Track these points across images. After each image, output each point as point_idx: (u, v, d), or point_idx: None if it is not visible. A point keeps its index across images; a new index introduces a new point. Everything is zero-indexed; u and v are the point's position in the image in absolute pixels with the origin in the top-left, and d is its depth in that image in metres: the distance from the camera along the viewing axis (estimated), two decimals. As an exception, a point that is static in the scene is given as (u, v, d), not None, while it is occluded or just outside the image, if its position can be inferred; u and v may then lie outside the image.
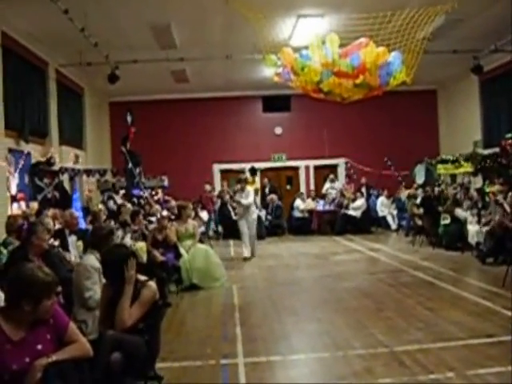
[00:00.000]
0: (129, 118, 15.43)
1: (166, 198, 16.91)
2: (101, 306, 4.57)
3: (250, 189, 13.79)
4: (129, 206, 13.23)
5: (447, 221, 13.11)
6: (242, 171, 20.57)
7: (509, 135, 13.87)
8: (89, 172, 16.46)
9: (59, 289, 5.89)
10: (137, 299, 4.32)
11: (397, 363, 5.39)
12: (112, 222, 10.55)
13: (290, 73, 9.79)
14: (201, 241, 11.85)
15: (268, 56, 9.85)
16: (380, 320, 7.12)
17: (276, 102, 21.13)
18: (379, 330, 6.60)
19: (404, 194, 17.99)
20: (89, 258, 5.74)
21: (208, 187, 19.21)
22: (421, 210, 14.65)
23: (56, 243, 7.56)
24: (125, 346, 3.98)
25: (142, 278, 4.54)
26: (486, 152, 16.09)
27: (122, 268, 4.33)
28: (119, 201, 14.47)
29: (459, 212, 13.01)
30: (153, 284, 4.52)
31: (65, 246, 7.90)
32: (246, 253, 13.33)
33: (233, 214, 18.15)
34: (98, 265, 5.50)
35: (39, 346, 3.29)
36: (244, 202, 13.34)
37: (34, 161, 12.65)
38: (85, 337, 3.64)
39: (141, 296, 4.36)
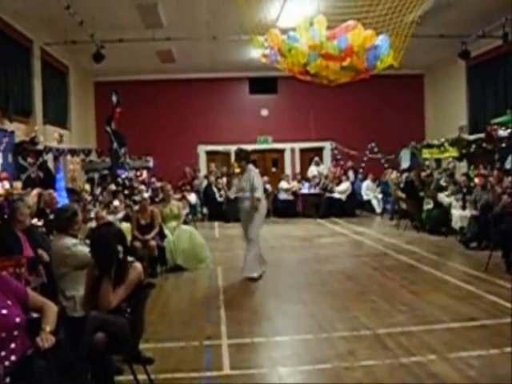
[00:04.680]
0: (114, 98, 15.28)
1: (153, 179, 16.91)
2: (85, 286, 4.54)
3: (253, 168, 9.36)
4: (112, 186, 13.20)
5: (430, 205, 13.19)
6: (227, 153, 20.55)
7: (494, 121, 13.92)
8: (73, 152, 16.31)
9: (42, 271, 5.91)
10: (122, 280, 4.30)
11: (380, 346, 5.42)
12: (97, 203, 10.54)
13: (276, 54, 9.74)
14: (185, 222, 11.84)
15: (255, 37, 9.79)
16: (364, 303, 7.15)
17: (262, 84, 21.06)
18: (363, 312, 6.65)
19: (390, 177, 18.04)
20: (58, 242, 5.62)
21: (187, 170, 19.30)
22: (404, 194, 14.74)
23: (39, 223, 7.52)
24: (108, 326, 3.96)
25: (129, 258, 4.53)
26: (472, 137, 16.14)
27: (111, 244, 4.31)
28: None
29: (442, 197, 13.07)
30: (138, 265, 4.51)
31: (47, 226, 7.85)
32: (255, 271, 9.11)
33: (217, 195, 18.17)
34: (72, 241, 5.45)
35: (4, 311, 3.32)
36: (257, 195, 9.00)
37: (17, 140, 12.51)
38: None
39: (127, 277, 4.35)
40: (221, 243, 12.88)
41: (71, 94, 17.75)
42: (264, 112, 21.45)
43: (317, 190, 18.59)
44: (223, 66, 19.45)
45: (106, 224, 5.21)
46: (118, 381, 4.31)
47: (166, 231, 10.00)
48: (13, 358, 3.22)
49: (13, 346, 3.25)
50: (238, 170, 9.34)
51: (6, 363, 3.18)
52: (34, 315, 3.65)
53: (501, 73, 16.10)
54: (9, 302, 3.36)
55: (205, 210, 18.49)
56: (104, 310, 4.18)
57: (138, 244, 9.24)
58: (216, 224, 16.81)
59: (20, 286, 3.66)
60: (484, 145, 13.98)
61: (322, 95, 18.97)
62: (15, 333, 3.28)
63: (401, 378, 4.58)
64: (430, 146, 17.24)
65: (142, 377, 4.44)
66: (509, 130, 13.02)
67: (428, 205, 13.21)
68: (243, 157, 9.28)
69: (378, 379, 4.59)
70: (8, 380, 3.15)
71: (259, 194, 9.02)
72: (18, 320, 3.31)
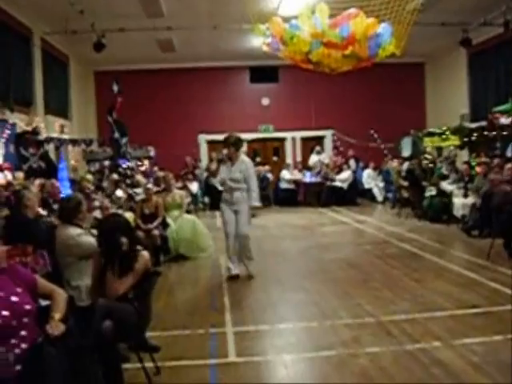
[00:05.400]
0: (115, 88, 15.24)
1: (155, 168, 16.93)
2: (92, 274, 4.57)
3: (247, 160, 8.51)
4: (114, 175, 13.22)
5: (432, 192, 13.18)
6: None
7: (496, 109, 13.90)
8: (75, 142, 16.31)
9: (47, 259, 5.92)
10: (130, 268, 4.33)
11: (384, 333, 5.46)
12: (100, 193, 10.56)
13: (278, 43, 9.73)
14: (187, 211, 11.86)
15: (257, 26, 9.77)
16: (367, 290, 7.18)
17: (263, 73, 21.01)
18: (366, 300, 6.67)
19: (391, 165, 18.03)
20: (63, 232, 5.63)
21: (188, 159, 19.30)
22: (406, 183, 14.76)
23: (44, 213, 7.54)
24: (116, 314, 3.99)
25: (137, 247, 4.57)
26: (473, 125, 16.13)
27: (116, 236, 4.33)
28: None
29: (445, 185, 13.08)
30: (145, 253, 4.54)
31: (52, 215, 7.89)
32: (231, 266, 8.37)
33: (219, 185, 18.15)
34: (77, 231, 5.48)
35: (14, 299, 3.34)
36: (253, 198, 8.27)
37: (19, 130, 12.52)
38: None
39: (135, 266, 4.38)
40: (222, 232, 12.86)
41: (72, 84, 17.73)
42: (265, 101, 21.42)
43: (318, 179, 18.60)
44: (224, 55, 19.37)
45: (114, 215, 5.24)
46: (125, 368, 4.34)
47: (169, 220, 10.02)
48: (23, 345, 3.24)
49: (23, 333, 3.27)
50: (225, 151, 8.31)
51: (17, 351, 3.21)
52: (43, 303, 3.67)
53: (502, 61, 16.07)
54: (18, 290, 3.38)
55: (206, 200, 18.49)
56: (111, 298, 4.21)
57: (140, 233, 9.25)
58: (217, 213, 16.78)
59: (29, 273, 3.68)
60: (486, 133, 13.96)
61: (323, 84, 18.96)
62: (25, 320, 3.30)
63: (406, 365, 4.62)
64: (431, 135, 17.21)
65: (147, 364, 4.48)
66: (510, 118, 13.00)
67: (430, 192, 13.21)
68: (233, 143, 8.22)
69: (383, 366, 4.62)
70: (19, 367, 3.18)
71: (257, 199, 8.40)
72: (28, 307, 3.34)
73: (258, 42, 14.39)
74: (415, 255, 9.45)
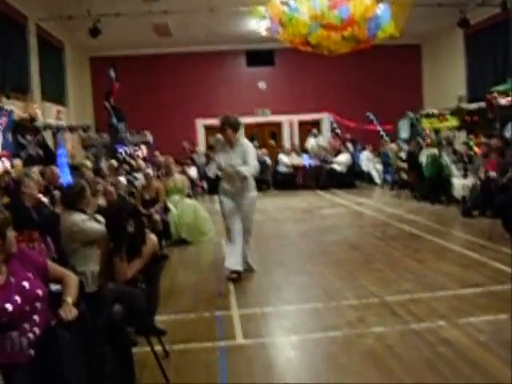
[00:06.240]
0: (112, 73, 15.18)
1: (156, 153, 16.90)
2: (101, 258, 4.58)
3: (248, 143, 7.60)
4: (113, 161, 13.20)
5: (435, 151, 13.14)
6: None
7: (494, 89, 13.87)
8: (72, 128, 16.26)
9: (51, 245, 5.93)
10: (138, 252, 4.34)
11: (389, 312, 5.49)
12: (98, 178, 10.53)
13: (277, 25, 9.70)
14: (189, 196, 11.85)
15: (256, 8, 9.74)
16: (370, 271, 7.21)
17: (260, 57, 20.91)
18: (370, 281, 6.70)
19: (390, 148, 18.02)
20: (67, 219, 5.64)
21: (186, 144, 19.26)
22: (405, 165, 14.75)
23: (45, 200, 7.53)
24: (125, 297, 4.00)
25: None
26: (473, 106, 16.10)
27: (122, 219, 4.34)
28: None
29: (445, 155, 13.08)
30: (153, 237, 4.55)
31: (54, 202, 7.88)
32: (233, 262, 7.21)
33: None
34: (81, 217, 5.50)
35: (26, 285, 3.33)
36: (244, 171, 7.13)
37: (16, 117, 12.44)
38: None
39: (143, 249, 4.39)
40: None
41: (67, 70, 17.62)
42: (262, 85, 21.34)
43: (317, 162, 18.60)
44: (220, 39, 19.24)
45: (120, 199, 5.26)
46: (133, 352, 4.35)
47: (170, 205, 10.01)
48: (36, 330, 3.25)
49: (36, 318, 3.28)
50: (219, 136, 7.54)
51: (30, 335, 3.22)
52: (53, 287, 3.68)
53: (499, 41, 15.99)
54: (29, 275, 3.38)
55: (204, 185, 18.47)
56: (120, 282, 4.23)
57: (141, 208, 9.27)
58: (216, 198, 16.80)
59: (39, 257, 3.67)
60: (486, 114, 13.95)
61: (319, 66, 18.93)
62: (38, 305, 3.31)
63: (412, 344, 4.65)
64: (429, 116, 17.20)
65: (155, 348, 4.49)
66: (509, 98, 12.97)
67: (432, 151, 13.16)
68: (231, 124, 7.28)
69: (390, 345, 4.65)
70: (32, 352, 3.19)
71: (249, 170, 7.17)
72: (39, 292, 3.34)
73: (255, 25, 14.31)
74: (416, 236, 9.49)
